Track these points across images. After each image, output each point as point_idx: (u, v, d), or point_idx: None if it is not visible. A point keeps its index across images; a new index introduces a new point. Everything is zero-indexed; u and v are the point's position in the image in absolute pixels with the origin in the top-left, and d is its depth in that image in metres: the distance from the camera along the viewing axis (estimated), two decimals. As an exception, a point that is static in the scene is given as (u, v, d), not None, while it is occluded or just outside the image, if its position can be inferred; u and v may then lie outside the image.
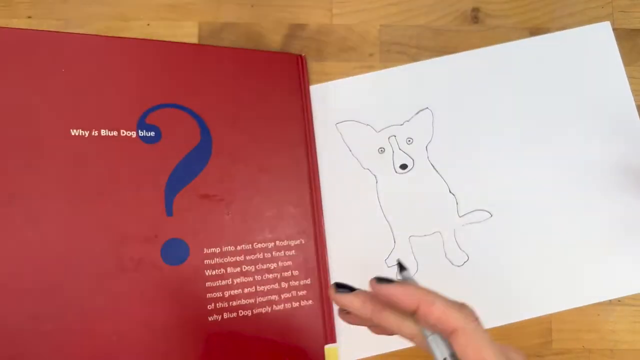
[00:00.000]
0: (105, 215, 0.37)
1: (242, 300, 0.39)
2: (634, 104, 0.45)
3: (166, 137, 0.39)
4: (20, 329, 0.34)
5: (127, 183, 0.38)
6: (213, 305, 0.38)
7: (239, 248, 0.40)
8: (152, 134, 0.39)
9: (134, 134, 0.38)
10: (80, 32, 0.41)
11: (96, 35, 0.41)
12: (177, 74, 0.41)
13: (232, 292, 0.39)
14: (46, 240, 0.35)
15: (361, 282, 0.43)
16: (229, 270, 0.39)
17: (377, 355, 0.42)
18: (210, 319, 0.38)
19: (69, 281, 0.36)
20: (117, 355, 0.36)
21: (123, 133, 0.38)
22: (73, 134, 0.37)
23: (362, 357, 0.42)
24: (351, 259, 0.43)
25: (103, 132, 0.38)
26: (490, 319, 0.43)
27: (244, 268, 0.40)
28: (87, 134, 0.37)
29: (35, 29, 0.41)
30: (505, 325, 0.43)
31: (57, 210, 0.36)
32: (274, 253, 0.41)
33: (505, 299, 0.43)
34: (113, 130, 0.38)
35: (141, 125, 0.39)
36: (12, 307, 0.34)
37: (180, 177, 0.39)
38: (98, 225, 0.37)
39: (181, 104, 0.40)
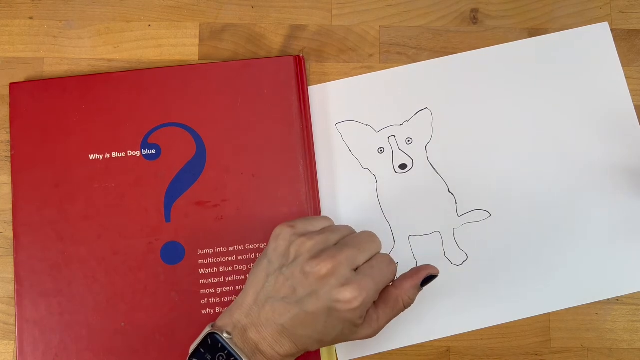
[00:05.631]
0: (115, 223, 0.43)
1: (234, 297, 0.42)
2: (632, 104, 0.46)
3: (165, 153, 0.44)
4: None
5: (132, 195, 0.43)
6: (206, 300, 0.42)
7: (231, 249, 0.43)
8: (153, 151, 0.43)
9: (138, 153, 0.43)
10: (91, 73, 0.45)
11: (107, 73, 0.45)
12: (174, 95, 0.44)
13: (225, 289, 0.42)
14: (76, 241, 0.42)
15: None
16: (222, 269, 0.42)
17: (374, 355, 0.43)
18: (203, 312, 0.42)
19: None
20: (125, 338, 0.41)
21: (129, 153, 0.43)
22: (91, 158, 0.43)
23: (359, 356, 0.43)
24: (351, 259, 0.44)
25: (114, 154, 0.43)
26: (489, 318, 0.43)
27: (236, 267, 0.42)
28: (101, 157, 0.43)
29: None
30: (503, 324, 0.43)
31: (79, 218, 0.43)
32: None
33: (503, 298, 0.43)
34: (121, 152, 0.43)
35: (144, 145, 0.43)
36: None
37: (177, 188, 0.43)
38: (109, 231, 0.42)
39: (178, 122, 0.44)
